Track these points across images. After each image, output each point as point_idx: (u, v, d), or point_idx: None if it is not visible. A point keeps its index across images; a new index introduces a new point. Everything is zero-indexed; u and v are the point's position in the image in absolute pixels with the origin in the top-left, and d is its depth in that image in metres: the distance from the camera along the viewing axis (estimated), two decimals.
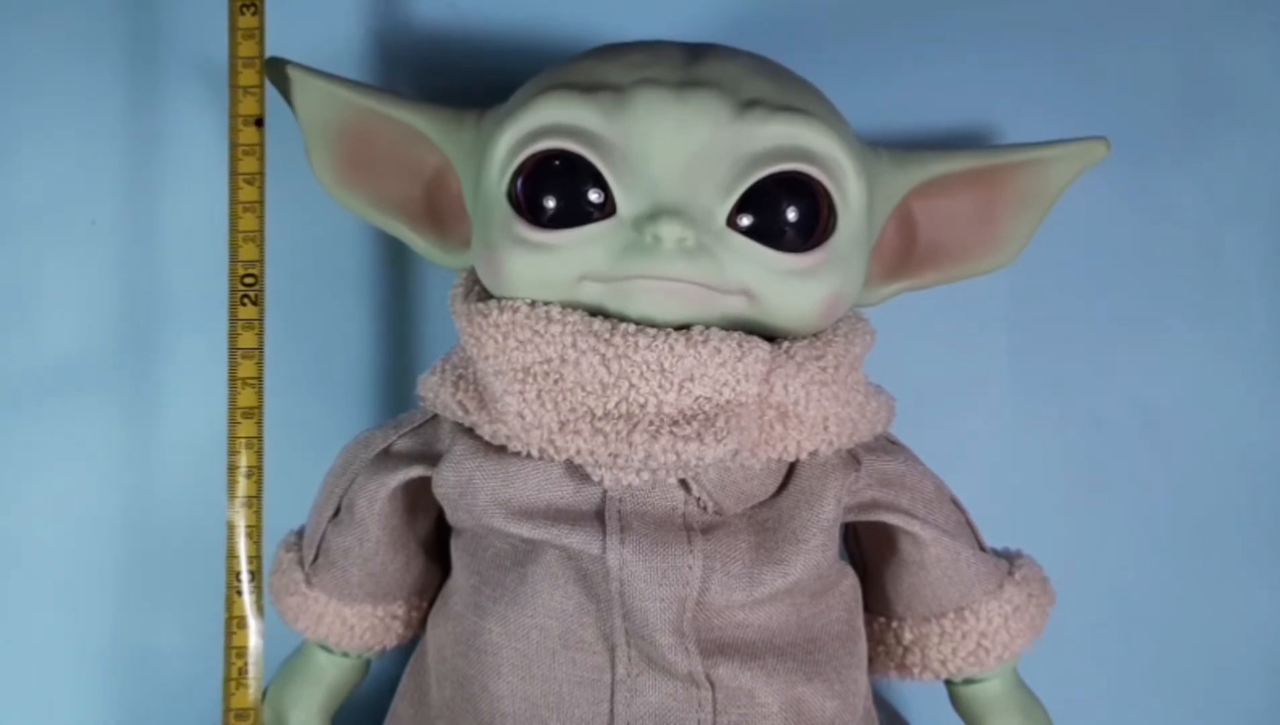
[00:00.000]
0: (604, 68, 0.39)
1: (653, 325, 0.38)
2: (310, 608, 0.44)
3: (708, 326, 0.38)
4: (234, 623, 0.43)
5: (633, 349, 0.37)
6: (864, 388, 0.41)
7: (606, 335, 0.37)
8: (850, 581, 0.43)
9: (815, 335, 0.40)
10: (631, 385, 0.37)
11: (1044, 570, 0.45)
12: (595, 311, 0.38)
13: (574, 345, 0.37)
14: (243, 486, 0.44)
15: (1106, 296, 0.52)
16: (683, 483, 0.39)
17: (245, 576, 0.43)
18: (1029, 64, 0.51)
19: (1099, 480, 0.52)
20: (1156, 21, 0.52)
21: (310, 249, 0.50)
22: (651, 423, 0.37)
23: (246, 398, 0.44)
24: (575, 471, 0.39)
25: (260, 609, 0.44)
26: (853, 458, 0.41)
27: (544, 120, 0.38)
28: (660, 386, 0.37)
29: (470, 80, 0.50)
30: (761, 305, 0.38)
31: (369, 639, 0.45)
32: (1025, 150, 0.44)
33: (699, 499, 0.39)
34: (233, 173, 0.44)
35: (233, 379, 0.44)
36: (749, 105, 0.38)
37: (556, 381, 0.38)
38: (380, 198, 0.45)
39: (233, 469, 0.44)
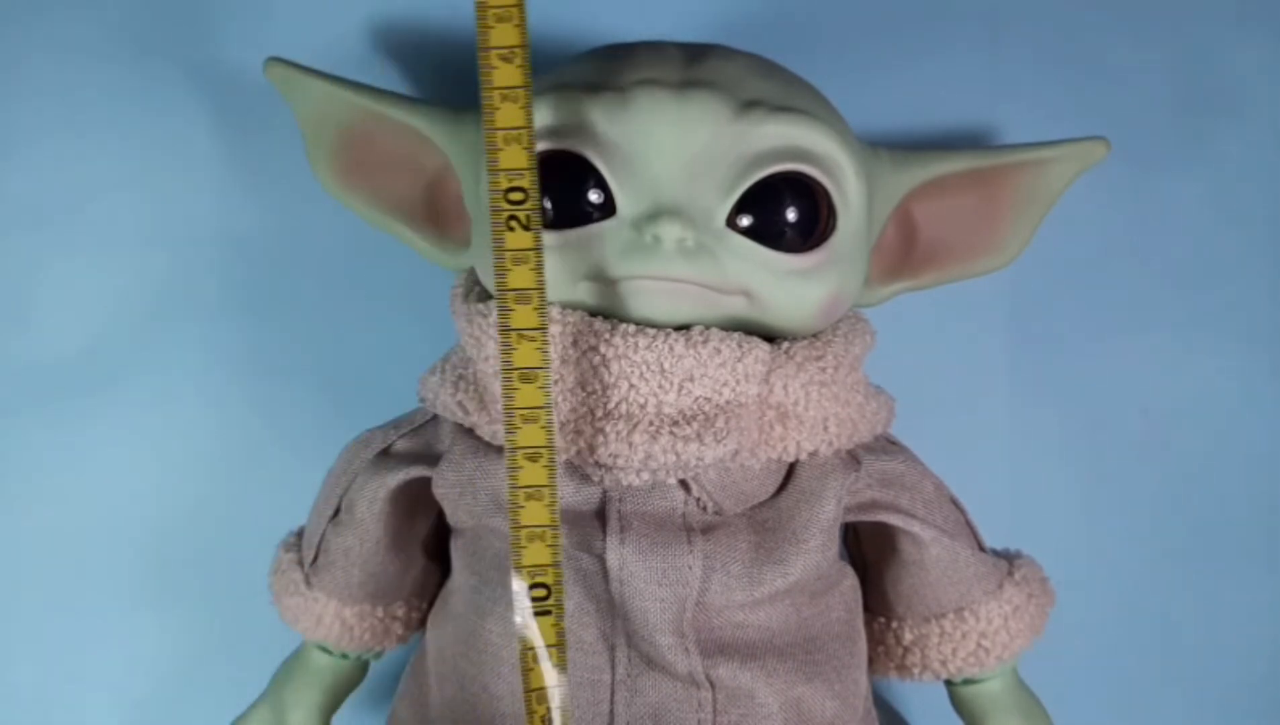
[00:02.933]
0: (604, 68, 0.39)
1: (653, 325, 0.38)
2: (310, 608, 0.44)
3: (707, 327, 0.38)
4: (529, 655, 0.36)
5: (632, 349, 0.37)
6: (864, 388, 0.41)
7: (606, 335, 0.37)
8: (850, 582, 0.43)
9: (815, 336, 0.40)
10: (631, 385, 0.37)
11: (1043, 570, 0.45)
12: (595, 312, 0.38)
13: (574, 345, 0.37)
14: (532, 472, 0.35)
15: (1106, 296, 0.52)
16: (683, 483, 0.39)
17: (539, 591, 0.36)
18: (1029, 64, 0.51)
19: (1099, 480, 0.52)
20: (1156, 21, 0.51)
21: (309, 248, 0.50)
22: (651, 423, 0.37)
23: (526, 356, 0.34)
24: (575, 472, 0.39)
25: (563, 634, 0.36)
26: (852, 458, 0.41)
27: (544, 120, 0.38)
28: (660, 387, 0.37)
29: (470, 80, 0.50)
30: (761, 305, 0.38)
31: (369, 640, 0.45)
32: (1025, 150, 0.44)
33: (699, 499, 0.39)
34: (483, 47, 0.35)
35: (507, 331, 0.35)
36: (749, 106, 0.38)
37: (556, 382, 0.38)
38: (380, 198, 0.45)
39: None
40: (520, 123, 0.35)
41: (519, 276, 0.35)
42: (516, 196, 0.35)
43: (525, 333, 0.35)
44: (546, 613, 0.36)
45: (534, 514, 0.36)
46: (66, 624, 0.50)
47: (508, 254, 0.35)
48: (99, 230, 0.50)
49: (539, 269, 0.35)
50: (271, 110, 0.46)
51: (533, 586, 0.36)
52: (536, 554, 0.36)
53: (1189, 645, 0.52)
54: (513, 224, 0.35)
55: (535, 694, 0.36)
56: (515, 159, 0.35)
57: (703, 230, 0.37)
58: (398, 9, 0.50)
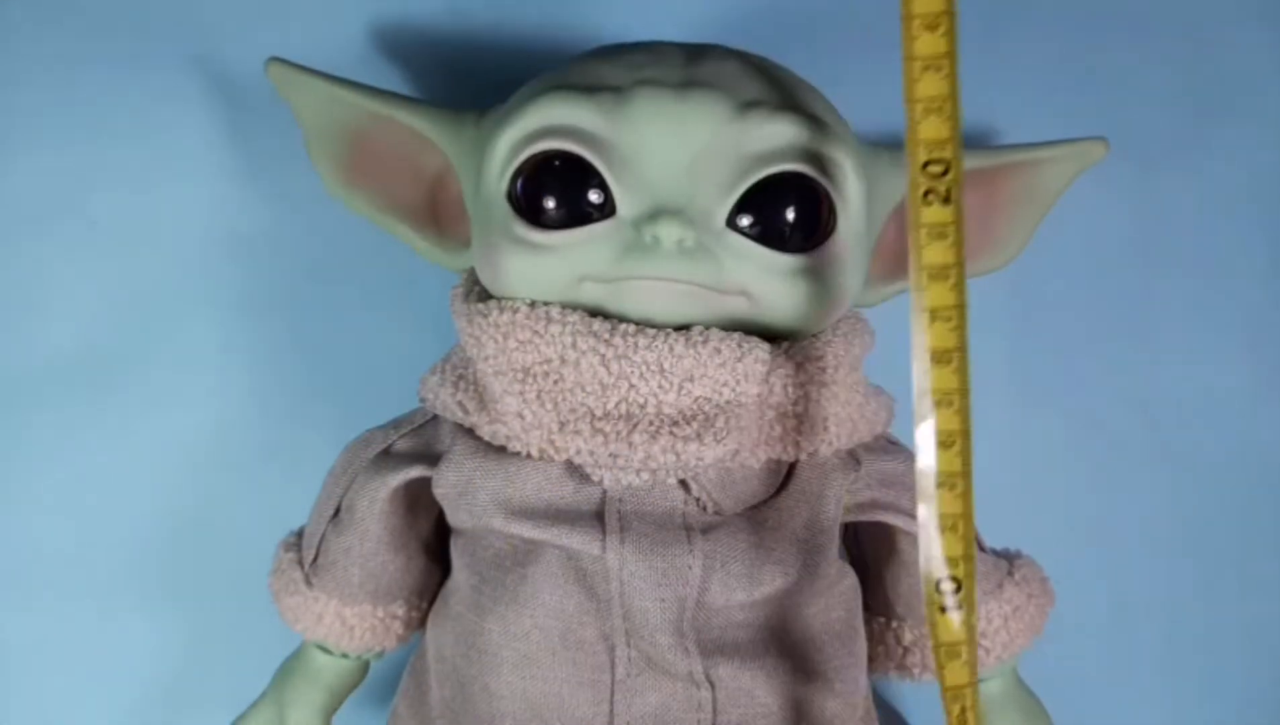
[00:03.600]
0: (604, 68, 0.39)
1: (652, 326, 0.38)
2: (310, 608, 0.44)
3: (707, 327, 0.38)
4: (943, 652, 0.35)
5: (632, 349, 0.37)
6: (864, 388, 0.41)
7: (606, 335, 0.37)
8: (850, 581, 0.43)
9: (815, 336, 0.40)
10: (631, 385, 0.37)
11: (1043, 570, 0.45)
12: (595, 312, 0.38)
13: (574, 345, 0.37)
14: (943, 459, 0.34)
15: (1107, 296, 0.52)
16: (682, 483, 0.39)
17: (949, 585, 0.35)
18: (1029, 63, 0.51)
19: (1099, 480, 0.52)
20: (1157, 21, 0.52)
21: (310, 248, 0.50)
22: (651, 423, 0.37)
23: (940, 336, 0.33)
24: (575, 471, 0.39)
25: (974, 630, 0.35)
26: (852, 458, 0.41)
27: (544, 121, 0.38)
28: (660, 387, 0.37)
29: (470, 80, 0.50)
30: (761, 305, 0.38)
31: (368, 640, 0.45)
32: (1024, 150, 0.44)
33: (699, 499, 0.39)
34: (906, 16, 0.33)
35: (920, 311, 0.33)
36: (749, 106, 0.38)
37: (556, 382, 0.38)
38: (382, 198, 0.45)
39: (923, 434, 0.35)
40: (943, 92, 0.33)
41: (935, 252, 0.33)
42: (936, 169, 0.33)
43: (939, 312, 0.33)
44: (959, 607, 0.35)
45: (947, 503, 0.35)
46: (66, 624, 0.50)
47: (924, 229, 0.33)
48: (99, 230, 0.50)
49: (959, 245, 0.33)
50: (272, 110, 0.45)
51: (947, 579, 0.35)
52: (950, 545, 0.35)
53: (1190, 645, 0.52)
54: (930, 198, 0.33)
55: (950, 693, 0.35)
56: (936, 130, 0.33)
57: (703, 230, 0.37)
58: (398, 9, 0.50)
